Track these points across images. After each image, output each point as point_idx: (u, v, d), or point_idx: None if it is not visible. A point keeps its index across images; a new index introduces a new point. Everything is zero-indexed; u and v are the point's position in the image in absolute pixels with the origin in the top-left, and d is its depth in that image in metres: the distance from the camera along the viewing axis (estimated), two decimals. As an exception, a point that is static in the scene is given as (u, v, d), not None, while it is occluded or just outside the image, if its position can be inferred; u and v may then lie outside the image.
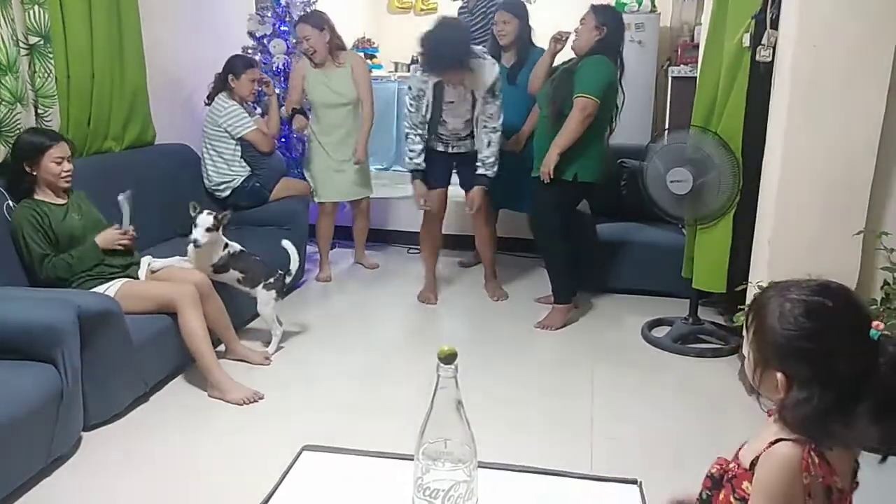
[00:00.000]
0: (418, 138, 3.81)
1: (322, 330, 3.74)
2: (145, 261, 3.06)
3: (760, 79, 2.99)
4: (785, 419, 1.08)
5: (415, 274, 4.35)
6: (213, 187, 4.15)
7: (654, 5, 6.30)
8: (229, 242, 3.23)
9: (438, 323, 3.81)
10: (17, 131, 2.96)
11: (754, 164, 3.09)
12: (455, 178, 4.08)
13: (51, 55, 3.19)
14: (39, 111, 3.21)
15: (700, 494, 1.22)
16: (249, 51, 4.65)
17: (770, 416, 1.14)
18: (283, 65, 4.66)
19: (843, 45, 2.64)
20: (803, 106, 2.73)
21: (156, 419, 2.76)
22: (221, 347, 3.18)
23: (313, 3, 4.86)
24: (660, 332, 3.57)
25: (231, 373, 2.97)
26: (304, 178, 4.54)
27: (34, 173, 2.81)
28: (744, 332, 1.21)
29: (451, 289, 4.31)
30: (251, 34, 4.71)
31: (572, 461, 2.43)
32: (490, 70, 3.64)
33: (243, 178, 4.14)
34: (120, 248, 2.93)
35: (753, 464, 1.11)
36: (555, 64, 3.74)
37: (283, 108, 4.37)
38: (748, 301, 2.86)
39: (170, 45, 4.20)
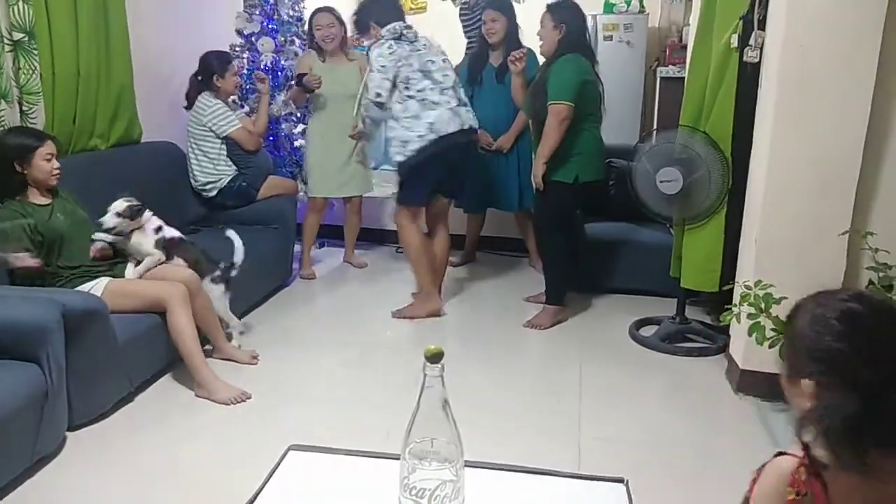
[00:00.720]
0: None
1: (309, 329, 3.73)
2: (131, 263, 3.03)
3: (748, 79, 3.01)
4: (811, 431, 1.04)
5: (403, 273, 4.34)
6: (200, 187, 4.13)
7: (642, 6, 6.32)
8: (164, 226, 3.12)
9: (426, 322, 3.80)
10: (1, 128, 2.94)
11: (742, 163, 3.10)
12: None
13: (35, 52, 3.16)
14: (24, 108, 3.18)
15: None
16: (237, 49, 4.64)
17: (805, 446, 1.08)
18: (272, 63, 4.65)
19: (830, 45, 2.65)
20: (790, 106, 2.74)
21: (141, 419, 2.74)
22: (209, 346, 3.16)
23: (302, 2, 4.86)
24: (647, 332, 3.58)
25: (218, 372, 2.95)
26: (293, 176, 4.52)
27: (24, 172, 2.78)
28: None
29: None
30: (239, 32, 4.69)
31: (559, 460, 2.42)
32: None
33: (230, 178, 4.12)
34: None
35: None
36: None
37: (273, 104, 4.36)
38: (735, 300, 2.88)
39: (156, 42, 4.17)
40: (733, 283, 3.05)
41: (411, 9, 7.53)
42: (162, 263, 3.07)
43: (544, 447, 2.56)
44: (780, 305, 2.65)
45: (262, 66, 4.63)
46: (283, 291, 4.20)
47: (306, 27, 4.48)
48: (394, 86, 3.53)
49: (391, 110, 3.56)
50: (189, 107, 4.08)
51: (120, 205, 2.99)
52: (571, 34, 3.45)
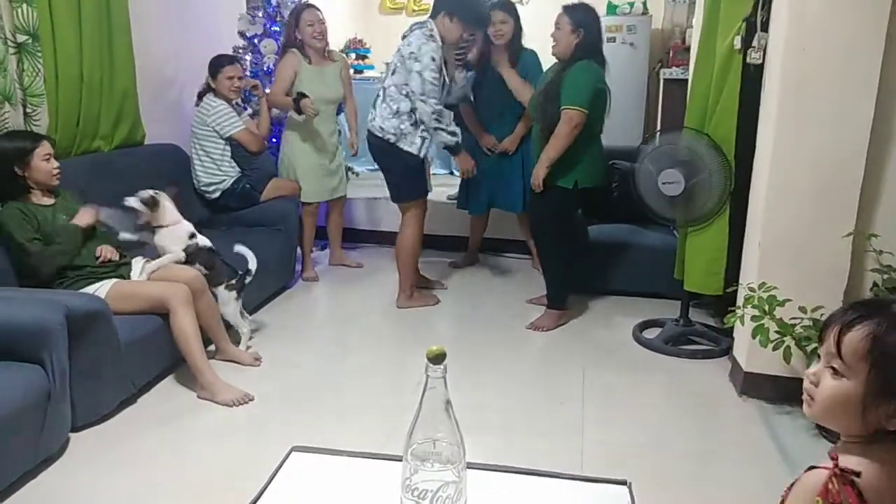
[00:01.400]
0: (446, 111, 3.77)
1: (311, 331, 3.73)
2: (138, 262, 3.03)
3: (752, 81, 3.00)
4: None
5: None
6: (203, 188, 4.13)
7: (645, 8, 6.32)
8: (197, 234, 3.20)
9: (427, 323, 3.80)
10: (5, 130, 2.94)
11: (746, 165, 3.09)
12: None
13: (39, 54, 3.17)
14: (28, 110, 3.19)
15: None
16: (240, 50, 4.64)
17: (833, 458, 1.06)
18: (275, 64, 4.65)
19: (832, 48, 2.65)
20: (793, 108, 2.74)
21: (144, 420, 2.74)
22: (211, 348, 3.16)
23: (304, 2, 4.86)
24: (651, 334, 3.57)
25: (221, 374, 2.95)
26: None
27: (25, 175, 2.79)
28: (812, 366, 1.11)
29: (441, 289, 4.30)
30: (241, 34, 4.70)
31: (562, 462, 2.42)
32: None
33: (233, 180, 4.12)
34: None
35: None
36: (545, 67, 3.75)
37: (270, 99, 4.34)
38: (739, 302, 2.88)
39: (160, 44, 4.18)
40: (737, 286, 3.04)
41: (414, 10, 7.55)
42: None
43: (547, 449, 2.55)
44: (783, 307, 2.65)
45: (264, 68, 4.63)
46: (285, 293, 4.21)
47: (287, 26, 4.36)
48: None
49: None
50: (198, 103, 4.09)
51: (145, 193, 3.05)
52: (589, 39, 3.42)
